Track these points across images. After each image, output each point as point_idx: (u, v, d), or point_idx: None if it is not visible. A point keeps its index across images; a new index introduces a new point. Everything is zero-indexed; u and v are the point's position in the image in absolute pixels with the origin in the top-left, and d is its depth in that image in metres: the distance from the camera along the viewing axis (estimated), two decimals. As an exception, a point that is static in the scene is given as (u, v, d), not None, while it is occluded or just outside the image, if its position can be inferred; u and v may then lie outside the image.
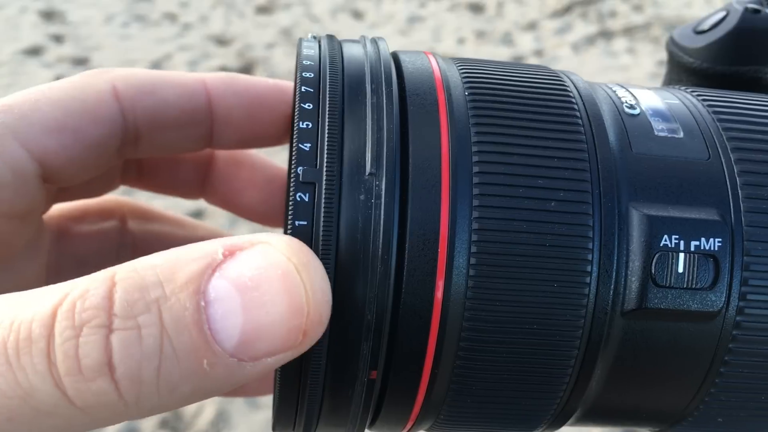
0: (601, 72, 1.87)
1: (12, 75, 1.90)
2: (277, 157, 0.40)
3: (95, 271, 0.39)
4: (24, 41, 2.05)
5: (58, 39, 2.08)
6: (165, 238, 0.39)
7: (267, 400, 1.18)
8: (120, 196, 0.39)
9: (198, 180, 0.39)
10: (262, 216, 0.39)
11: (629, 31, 2.08)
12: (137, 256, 0.38)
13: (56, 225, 0.37)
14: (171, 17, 2.21)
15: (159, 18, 2.21)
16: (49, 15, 2.19)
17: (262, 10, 2.26)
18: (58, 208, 0.37)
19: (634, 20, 2.12)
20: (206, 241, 0.22)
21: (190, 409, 1.16)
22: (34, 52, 2.02)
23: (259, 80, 0.35)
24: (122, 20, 2.18)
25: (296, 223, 0.24)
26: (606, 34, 2.07)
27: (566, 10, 2.18)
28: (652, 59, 1.95)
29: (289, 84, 0.34)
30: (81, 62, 1.95)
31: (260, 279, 0.21)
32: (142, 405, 0.21)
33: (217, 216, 1.34)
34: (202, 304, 0.21)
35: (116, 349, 0.21)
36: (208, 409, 1.17)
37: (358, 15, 2.22)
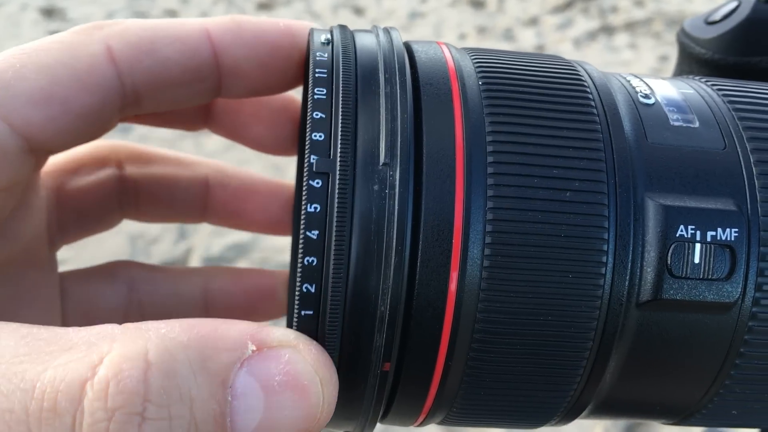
0: (602, 67, 1.86)
1: None
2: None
3: (98, 223, 0.37)
4: (25, 38, 2.04)
5: (58, 36, 2.07)
6: (167, 180, 0.37)
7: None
8: (115, 141, 0.37)
9: (201, 112, 0.37)
10: (271, 147, 0.37)
11: (631, 27, 2.08)
12: (140, 201, 0.37)
13: (51, 181, 0.35)
14: (171, 14, 2.21)
15: (159, 14, 2.20)
16: (49, 12, 2.18)
17: (263, 6, 2.25)
18: (53, 163, 0.35)
19: (635, 15, 2.12)
20: (234, 324, 0.23)
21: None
22: (35, 48, 2.02)
23: (269, 26, 0.31)
24: (123, 17, 2.18)
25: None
26: (607, 30, 2.07)
27: (567, 5, 2.17)
28: (653, 54, 1.95)
29: (301, 26, 0.32)
30: (82, 59, 1.94)
31: (287, 385, 0.23)
32: None
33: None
34: (229, 398, 0.22)
35: None
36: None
37: (359, 11, 2.22)
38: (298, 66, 0.32)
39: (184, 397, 0.21)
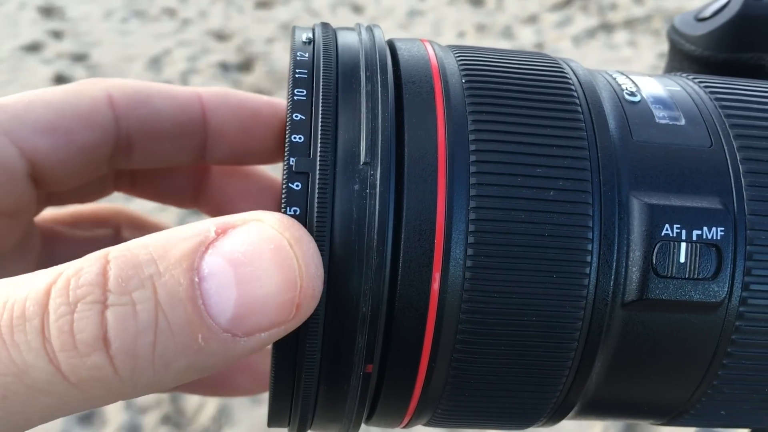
0: (601, 65, 1.86)
1: (11, 71, 1.90)
2: (271, 170, 0.39)
3: None
4: (23, 37, 2.04)
5: (57, 35, 2.07)
6: None
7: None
8: (117, 204, 0.39)
9: (192, 189, 0.39)
10: None
11: (630, 24, 2.07)
12: None
13: (48, 229, 0.37)
14: (170, 12, 2.21)
15: (158, 13, 2.20)
16: (48, 11, 2.18)
17: (262, 5, 2.25)
18: (50, 213, 0.37)
19: (634, 13, 2.11)
20: (198, 221, 0.23)
21: (192, 405, 1.16)
22: (34, 48, 2.02)
23: (252, 96, 0.35)
24: (121, 16, 2.18)
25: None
26: (607, 27, 2.06)
27: (567, 2, 2.17)
28: (653, 52, 1.95)
29: (281, 101, 0.35)
30: (80, 58, 1.94)
31: (253, 253, 0.22)
32: (136, 381, 0.22)
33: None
34: (196, 279, 0.21)
35: (111, 324, 0.21)
36: (210, 404, 1.17)
37: (357, 9, 2.21)
38: (278, 136, 0.35)
39: (145, 283, 0.21)
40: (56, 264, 0.35)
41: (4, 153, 0.29)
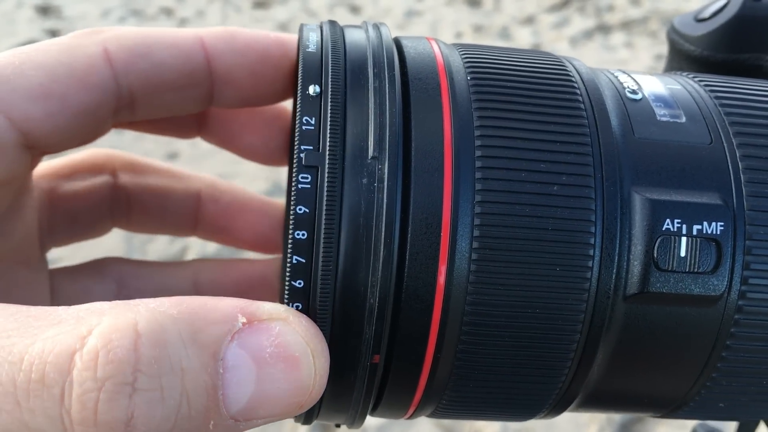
0: (598, 66, 1.87)
1: None
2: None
3: (88, 229, 0.38)
4: (20, 36, 2.04)
5: (54, 34, 2.07)
6: (160, 193, 0.38)
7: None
8: (110, 149, 0.38)
9: (195, 121, 0.37)
10: (262, 157, 0.38)
11: (627, 25, 2.08)
12: (132, 213, 0.38)
13: (45, 183, 0.35)
14: (167, 12, 2.21)
15: (155, 13, 2.20)
16: (45, 10, 2.18)
17: (259, 4, 2.25)
18: (46, 166, 0.35)
19: (631, 14, 2.12)
20: (224, 301, 0.23)
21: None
22: (31, 46, 2.02)
23: (260, 36, 0.32)
24: (119, 15, 2.18)
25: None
26: (604, 28, 2.07)
27: (564, 4, 2.18)
28: (649, 53, 1.95)
29: (291, 38, 0.33)
30: (78, 57, 1.93)
31: (278, 357, 0.23)
32: None
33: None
34: (221, 371, 0.22)
35: (139, 411, 0.21)
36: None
37: (355, 9, 2.22)
38: (288, 76, 0.33)
39: (175, 368, 0.21)
40: (59, 219, 0.35)
41: None
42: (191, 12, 2.20)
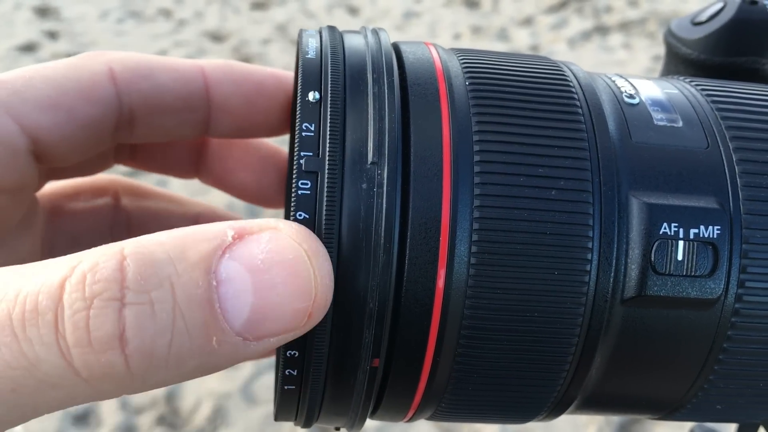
0: (597, 67, 1.87)
1: (7, 72, 1.90)
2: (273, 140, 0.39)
3: (88, 248, 0.39)
4: (18, 38, 2.04)
5: (52, 35, 2.07)
6: (159, 216, 0.39)
7: (265, 396, 1.18)
8: (113, 174, 0.39)
9: (192, 160, 0.38)
10: (256, 196, 0.39)
11: (625, 27, 2.09)
12: (132, 233, 0.39)
13: (49, 202, 0.36)
14: (166, 13, 2.21)
15: (154, 14, 2.20)
16: (43, 11, 2.18)
17: (258, 6, 2.25)
18: (52, 186, 0.37)
19: (629, 15, 2.12)
20: (213, 223, 0.23)
21: (187, 405, 1.16)
22: (29, 48, 2.02)
23: (257, 68, 0.34)
24: (117, 16, 2.18)
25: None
26: (602, 30, 2.07)
27: (562, 5, 2.18)
28: (647, 54, 1.96)
29: (287, 74, 0.34)
30: (76, 58, 1.94)
31: (272, 262, 0.22)
32: (147, 378, 0.22)
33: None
34: (214, 283, 0.22)
35: (130, 323, 0.21)
36: (205, 404, 1.17)
37: (353, 11, 2.22)
38: (283, 109, 0.34)
39: (164, 283, 0.21)
40: (61, 239, 0.36)
41: (5, 130, 0.29)
42: (189, 13, 2.20)
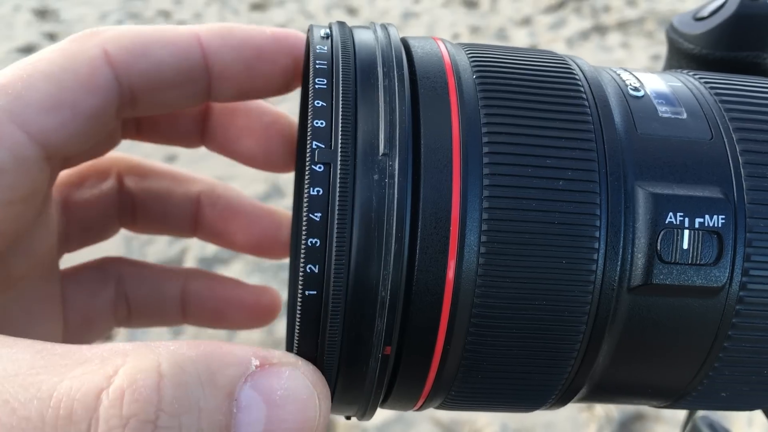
0: (595, 66, 1.88)
1: (2, 71, 1.90)
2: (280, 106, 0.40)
3: (99, 234, 0.39)
4: (18, 40, 2.05)
5: (52, 37, 2.08)
6: (161, 196, 0.39)
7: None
8: (115, 153, 0.39)
9: (197, 128, 0.38)
10: (263, 162, 0.39)
11: (623, 26, 2.09)
12: (136, 214, 0.39)
13: (60, 194, 0.36)
14: (165, 14, 2.21)
15: (153, 15, 2.21)
16: (42, 13, 2.18)
17: (257, 6, 2.26)
18: (61, 176, 0.36)
19: (627, 15, 2.13)
20: (238, 345, 0.25)
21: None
22: (29, 50, 2.02)
23: (256, 31, 0.33)
24: (116, 18, 2.18)
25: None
26: (600, 29, 2.08)
27: (560, 5, 2.18)
28: (646, 54, 1.96)
29: (286, 34, 0.34)
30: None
31: (288, 399, 0.24)
32: None
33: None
34: (234, 410, 0.23)
35: None
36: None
37: (352, 11, 2.22)
38: (284, 71, 0.34)
39: (193, 408, 0.22)
40: (73, 230, 0.37)
41: (13, 141, 0.28)
42: (188, 14, 2.21)
